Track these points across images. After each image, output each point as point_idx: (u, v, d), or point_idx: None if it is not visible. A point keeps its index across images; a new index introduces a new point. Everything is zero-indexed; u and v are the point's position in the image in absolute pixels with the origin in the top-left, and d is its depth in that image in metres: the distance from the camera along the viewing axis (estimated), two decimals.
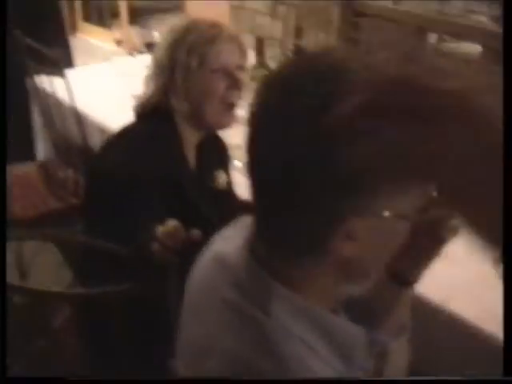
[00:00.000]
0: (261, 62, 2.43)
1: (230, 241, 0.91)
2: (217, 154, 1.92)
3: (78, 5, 6.97)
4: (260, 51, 2.39)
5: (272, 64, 2.51)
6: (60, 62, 2.55)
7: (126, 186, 1.56)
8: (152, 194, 1.57)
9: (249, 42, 4.72)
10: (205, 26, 1.68)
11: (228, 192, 1.93)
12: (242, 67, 1.73)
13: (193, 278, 0.92)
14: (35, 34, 2.92)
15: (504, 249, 0.52)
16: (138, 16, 6.67)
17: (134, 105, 1.78)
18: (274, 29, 4.28)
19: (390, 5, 4.01)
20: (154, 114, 1.71)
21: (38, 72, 2.72)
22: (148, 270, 1.22)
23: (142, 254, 1.22)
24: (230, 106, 1.72)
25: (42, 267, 2.87)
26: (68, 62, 3.51)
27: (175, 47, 1.66)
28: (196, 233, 1.30)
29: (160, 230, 1.26)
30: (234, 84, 1.68)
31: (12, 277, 2.79)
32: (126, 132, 1.73)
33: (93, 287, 1.23)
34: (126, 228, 1.41)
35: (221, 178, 1.88)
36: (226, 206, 1.87)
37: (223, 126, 1.77)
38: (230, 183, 1.96)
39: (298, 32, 4.00)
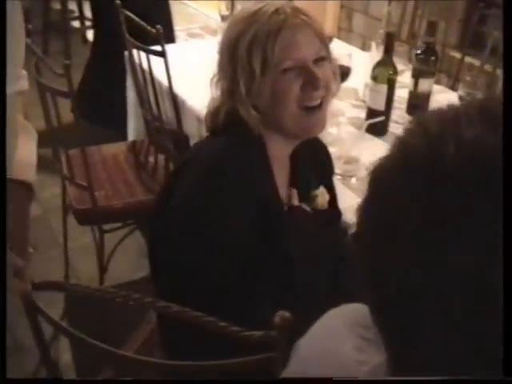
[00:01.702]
0: (386, 61, 2.10)
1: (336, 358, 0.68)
2: (316, 165, 1.59)
3: None
4: (389, 48, 2.06)
5: (398, 62, 2.19)
6: (159, 39, 2.32)
7: (212, 236, 1.30)
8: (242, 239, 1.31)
9: (360, 22, 4.43)
10: (268, 13, 1.31)
11: (330, 214, 1.61)
12: (323, 59, 1.36)
13: None
14: (136, 5, 2.71)
15: (504, 246, 0.50)
16: None
17: (205, 116, 1.47)
18: (391, 12, 3.92)
19: None
20: (228, 125, 1.40)
21: (136, 47, 2.50)
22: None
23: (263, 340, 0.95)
24: (314, 108, 1.37)
25: (123, 256, 2.72)
26: (168, 38, 3.31)
27: (235, 44, 1.32)
28: None
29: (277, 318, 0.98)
30: (311, 82, 1.33)
31: (89, 273, 2.66)
32: (196, 157, 1.40)
33: (182, 357, 0.98)
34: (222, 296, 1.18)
35: (321, 196, 1.56)
36: (328, 237, 1.57)
37: (312, 132, 1.44)
38: (333, 201, 1.62)
39: (415, 19, 3.64)
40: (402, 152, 0.59)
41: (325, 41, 1.39)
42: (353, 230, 1.70)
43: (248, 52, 1.30)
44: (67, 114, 2.19)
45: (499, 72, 2.84)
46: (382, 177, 0.60)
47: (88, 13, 5.31)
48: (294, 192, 1.49)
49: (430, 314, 0.56)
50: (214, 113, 1.42)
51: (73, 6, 5.54)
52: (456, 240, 0.53)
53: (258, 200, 1.35)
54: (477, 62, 3.36)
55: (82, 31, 5.62)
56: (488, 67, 2.96)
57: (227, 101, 1.37)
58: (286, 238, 1.40)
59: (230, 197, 1.31)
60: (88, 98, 3.89)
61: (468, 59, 3.32)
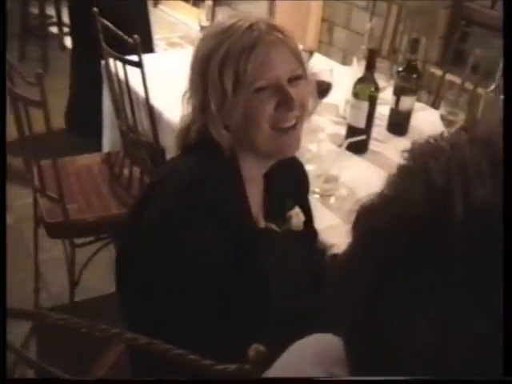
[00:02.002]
0: (368, 78, 2.07)
1: None
2: (291, 184, 1.54)
3: None
4: (371, 65, 2.03)
5: (379, 79, 2.15)
6: (136, 49, 2.27)
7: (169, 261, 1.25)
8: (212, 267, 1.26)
9: (341, 36, 4.41)
10: (241, 29, 1.25)
11: (306, 235, 1.55)
12: (298, 78, 1.30)
13: None
14: (114, 13, 2.65)
15: (504, 248, 0.49)
16: None
17: (176, 133, 1.40)
18: (373, 28, 3.90)
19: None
20: (199, 144, 1.33)
21: (113, 56, 2.45)
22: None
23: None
24: (288, 129, 1.31)
25: (96, 270, 2.64)
26: (147, 47, 3.27)
27: (206, 60, 1.25)
28: None
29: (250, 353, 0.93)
30: (285, 103, 1.27)
31: (61, 286, 2.59)
32: (171, 173, 1.33)
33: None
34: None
35: (295, 217, 1.50)
36: (304, 258, 1.51)
37: (285, 153, 1.37)
38: (309, 222, 1.56)
39: (396, 35, 3.63)
40: (399, 196, 0.55)
41: (301, 59, 1.33)
42: (331, 250, 1.66)
43: (220, 70, 1.23)
44: (40, 124, 2.12)
45: (480, 90, 2.83)
46: (371, 220, 0.56)
47: (66, 19, 5.25)
48: (261, 214, 1.43)
49: (405, 351, 0.53)
50: (184, 130, 1.35)
51: (51, 11, 5.46)
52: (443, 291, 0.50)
53: (231, 219, 1.30)
54: (457, 80, 3.35)
55: (60, 37, 5.55)
56: (468, 85, 2.94)
57: (198, 119, 1.31)
58: (260, 258, 1.35)
59: (204, 214, 1.26)
60: (71, 107, 3.88)
61: (449, 76, 3.31)
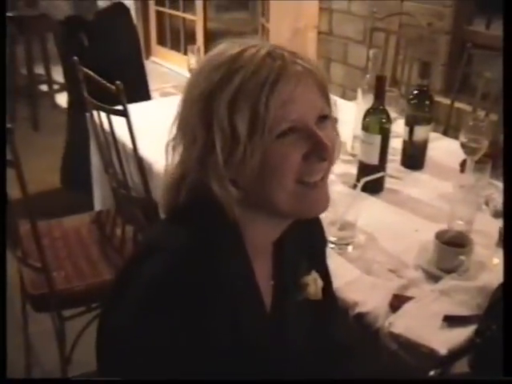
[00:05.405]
0: (377, 108, 1.86)
1: None
2: (305, 243, 1.22)
3: (153, 27, 6.70)
4: (380, 93, 1.82)
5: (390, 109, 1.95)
6: (120, 97, 2.06)
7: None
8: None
9: (338, 72, 4.23)
10: (258, 58, 0.96)
11: (324, 305, 1.23)
12: (325, 118, 1.02)
13: None
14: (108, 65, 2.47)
15: (504, 246, 0.24)
16: (213, 40, 6.29)
17: (161, 194, 1.09)
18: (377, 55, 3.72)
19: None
20: (193, 207, 1.03)
21: (96, 106, 2.25)
22: None
23: None
24: (317, 183, 1.02)
25: (90, 343, 2.38)
26: (144, 95, 3.17)
27: (209, 98, 0.96)
28: None
29: None
30: (317, 151, 0.99)
31: (54, 361, 2.34)
32: (146, 253, 1.01)
33: None
34: None
35: (313, 283, 1.18)
36: (323, 331, 1.24)
37: (313, 212, 1.07)
38: (328, 288, 1.26)
39: (397, 66, 3.45)
40: None
41: (328, 94, 1.03)
42: (354, 310, 1.43)
43: (230, 110, 0.94)
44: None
45: (493, 117, 2.63)
46: None
47: (57, 76, 5.13)
48: (269, 289, 1.14)
49: None
50: (173, 188, 1.06)
51: (40, 70, 5.35)
52: None
53: (235, 310, 1.02)
54: (465, 107, 3.18)
55: (50, 95, 5.44)
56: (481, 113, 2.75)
57: (193, 172, 1.01)
58: (270, 351, 1.09)
59: (197, 308, 0.96)
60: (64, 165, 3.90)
61: (456, 104, 3.12)
